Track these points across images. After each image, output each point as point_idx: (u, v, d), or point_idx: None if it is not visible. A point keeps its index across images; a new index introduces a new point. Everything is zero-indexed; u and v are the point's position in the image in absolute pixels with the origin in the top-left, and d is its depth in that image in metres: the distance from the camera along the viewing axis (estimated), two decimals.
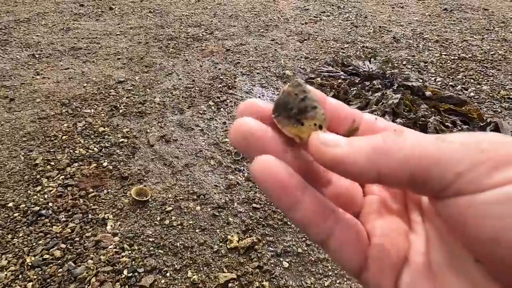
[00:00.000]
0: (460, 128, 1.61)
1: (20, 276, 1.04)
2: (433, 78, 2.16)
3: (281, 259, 1.13)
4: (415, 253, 0.18)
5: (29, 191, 1.33)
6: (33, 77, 2.12)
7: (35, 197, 1.31)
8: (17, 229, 1.19)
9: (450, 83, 2.11)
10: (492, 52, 2.44)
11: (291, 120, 0.20)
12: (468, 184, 0.14)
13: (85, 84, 2.06)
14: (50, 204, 1.28)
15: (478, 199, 0.14)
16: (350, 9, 3.40)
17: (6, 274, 1.04)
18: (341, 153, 0.16)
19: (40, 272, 1.05)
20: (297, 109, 0.20)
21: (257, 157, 0.17)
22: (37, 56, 2.36)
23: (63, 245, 1.13)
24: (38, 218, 1.22)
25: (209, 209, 1.30)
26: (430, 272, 0.17)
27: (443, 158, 0.14)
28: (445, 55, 2.45)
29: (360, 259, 0.19)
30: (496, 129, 1.61)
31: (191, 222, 1.25)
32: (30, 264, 1.07)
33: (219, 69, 2.27)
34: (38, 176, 1.40)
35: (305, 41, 2.69)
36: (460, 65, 2.31)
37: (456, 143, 0.14)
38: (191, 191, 1.37)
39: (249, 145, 0.18)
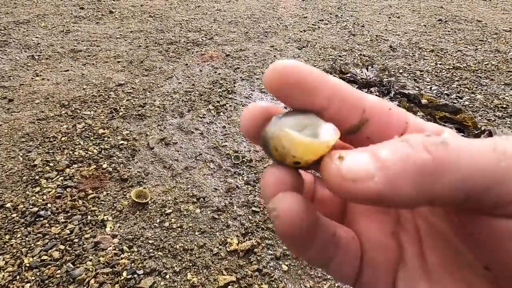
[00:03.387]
0: None
1: (17, 277, 1.03)
2: (428, 87, 2.21)
3: (280, 262, 1.14)
4: (410, 253, 0.18)
5: (27, 192, 1.32)
6: (32, 78, 2.12)
7: (34, 198, 1.30)
8: (15, 230, 1.18)
9: (445, 92, 2.16)
10: (486, 62, 2.51)
11: None
12: None
13: (84, 86, 2.06)
14: (49, 205, 1.27)
15: None
16: (347, 18, 3.47)
17: (3, 275, 1.03)
18: (378, 187, 0.13)
19: (38, 273, 1.04)
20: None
21: (278, 201, 0.15)
22: (36, 57, 2.36)
23: (61, 246, 1.13)
24: (37, 219, 1.21)
25: (208, 212, 1.30)
26: (426, 272, 0.17)
27: (506, 178, 0.13)
28: (440, 64, 2.50)
29: (355, 270, 0.18)
30: (490, 137, 1.65)
31: (190, 224, 1.25)
32: (28, 265, 1.06)
33: (219, 73, 2.29)
34: (37, 177, 1.40)
35: (304, 48, 2.73)
36: (455, 74, 2.37)
37: None
38: (191, 194, 1.38)
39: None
